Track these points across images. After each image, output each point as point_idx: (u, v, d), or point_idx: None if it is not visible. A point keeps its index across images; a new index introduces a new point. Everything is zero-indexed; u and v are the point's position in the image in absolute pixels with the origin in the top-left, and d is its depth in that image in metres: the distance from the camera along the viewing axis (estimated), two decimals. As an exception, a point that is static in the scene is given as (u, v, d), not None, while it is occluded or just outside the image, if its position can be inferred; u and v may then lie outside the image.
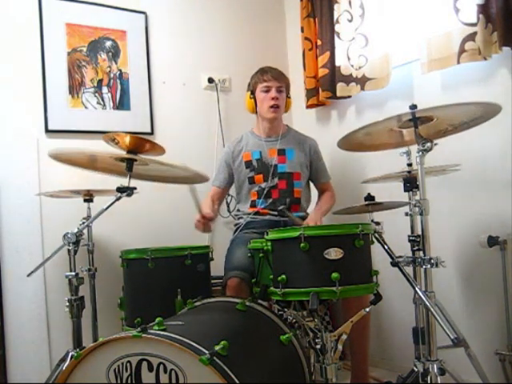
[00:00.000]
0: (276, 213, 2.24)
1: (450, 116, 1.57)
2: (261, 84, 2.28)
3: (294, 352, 1.55)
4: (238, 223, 2.34)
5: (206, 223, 2.07)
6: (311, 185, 2.43)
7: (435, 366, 1.53)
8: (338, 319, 2.52)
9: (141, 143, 1.65)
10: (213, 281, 2.11)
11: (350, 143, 1.77)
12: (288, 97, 2.35)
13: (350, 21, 2.50)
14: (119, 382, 1.24)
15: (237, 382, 1.15)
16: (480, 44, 1.87)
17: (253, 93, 2.33)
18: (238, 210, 2.40)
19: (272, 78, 2.26)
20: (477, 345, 1.89)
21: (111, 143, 1.67)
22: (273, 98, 2.25)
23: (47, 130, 2.34)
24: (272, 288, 1.57)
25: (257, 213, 2.28)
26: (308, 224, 2.07)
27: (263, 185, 2.28)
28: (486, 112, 1.54)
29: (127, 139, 1.62)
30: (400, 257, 1.62)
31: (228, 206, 2.65)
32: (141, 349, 1.22)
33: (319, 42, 2.66)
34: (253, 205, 2.30)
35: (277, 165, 2.29)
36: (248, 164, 2.33)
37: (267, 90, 2.27)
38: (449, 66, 2.02)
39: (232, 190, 2.47)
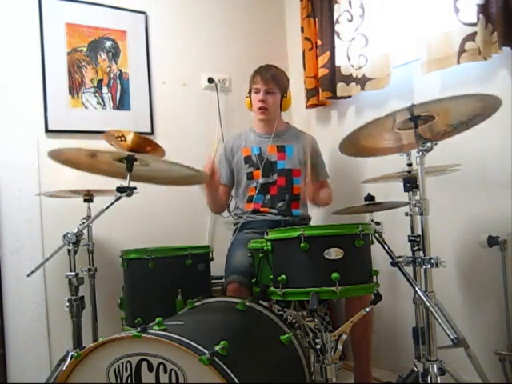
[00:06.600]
0: (276, 211, 2.25)
1: (448, 112, 1.55)
2: (252, 85, 2.31)
3: (294, 352, 1.55)
4: (238, 222, 2.33)
5: (213, 182, 2.16)
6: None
7: (435, 365, 1.53)
8: (338, 319, 2.52)
9: (143, 143, 1.66)
10: (213, 281, 2.11)
11: (351, 145, 1.75)
12: (284, 96, 2.33)
13: (350, 21, 2.49)
14: (119, 381, 1.24)
15: (237, 382, 1.15)
16: (480, 44, 1.87)
17: (250, 91, 2.35)
18: (238, 208, 2.40)
19: (261, 80, 2.26)
20: (477, 345, 1.89)
21: (114, 142, 1.67)
22: (260, 101, 2.27)
23: (47, 130, 2.34)
24: (272, 288, 1.57)
25: (257, 212, 2.27)
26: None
27: (261, 180, 2.27)
28: (485, 108, 1.52)
29: (130, 136, 1.62)
30: (400, 257, 1.63)
31: (228, 206, 2.64)
32: (141, 349, 1.22)
33: (319, 42, 2.66)
34: (249, 200, 2.30)
35: (276, 161, 2.29)
36: (247, 159, 2.34)
37: (257, 92, 2.29)
38: (449, 66, 2.02)
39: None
